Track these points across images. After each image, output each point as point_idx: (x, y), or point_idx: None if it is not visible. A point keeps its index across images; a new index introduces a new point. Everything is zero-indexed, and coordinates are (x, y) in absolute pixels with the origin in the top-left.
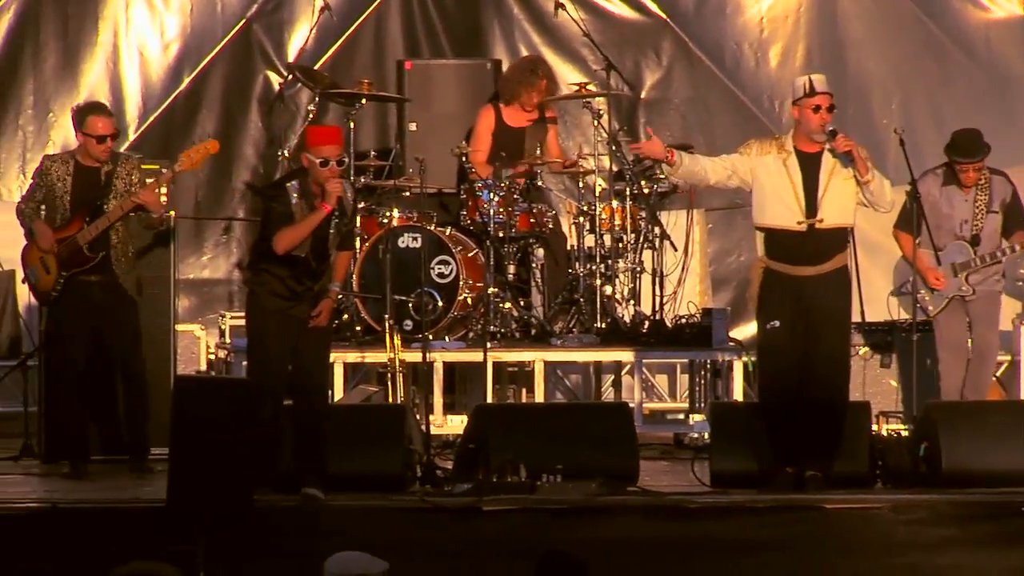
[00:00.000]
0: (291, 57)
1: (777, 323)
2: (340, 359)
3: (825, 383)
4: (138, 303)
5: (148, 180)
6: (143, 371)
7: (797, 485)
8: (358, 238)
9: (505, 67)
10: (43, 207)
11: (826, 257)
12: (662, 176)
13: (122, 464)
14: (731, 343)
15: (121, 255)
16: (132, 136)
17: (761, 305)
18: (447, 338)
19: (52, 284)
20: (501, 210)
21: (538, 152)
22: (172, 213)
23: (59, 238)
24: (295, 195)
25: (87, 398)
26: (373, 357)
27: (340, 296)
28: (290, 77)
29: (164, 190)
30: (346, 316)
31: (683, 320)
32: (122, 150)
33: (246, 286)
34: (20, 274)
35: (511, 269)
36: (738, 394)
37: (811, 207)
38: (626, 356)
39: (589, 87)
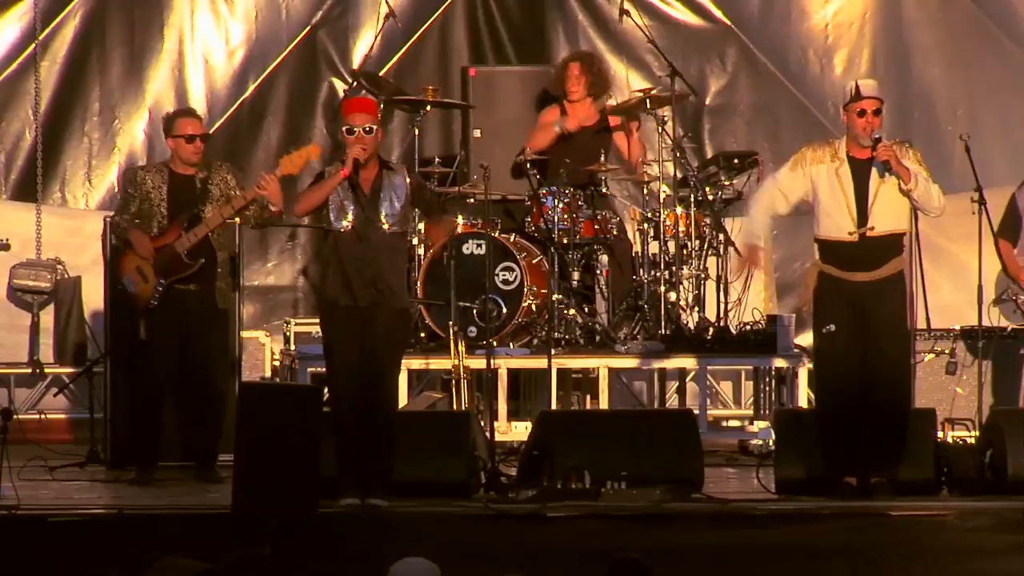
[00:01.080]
0: (356, 64)
1: (833, 327)
2: (404, 366)
3: (888, 388)
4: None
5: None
6: (222, 382)
7: (863, 491)
8: (422, 245)
9: None
10: (137, 220)
11: (880, 263)
12: (727, 183)
13: (191, 470)
14: (796, 350)
15: (222, 262)
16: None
17: (816, 309)
18: (511, 345)
19: (150, 292)
20: (565, 217)
21: (602, 159)
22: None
23: (157, 246)
24: (331, 172)
25: (164, 406)
26: (438, 364)
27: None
28: (355, 84)
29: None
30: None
31: (748, 327)
32: None
33: (315, 291)
34: (86, 281)
35: (575, 276)
36: (803, 401)
37: (862, 216)
38: (690, 363)
39: (653, 93)
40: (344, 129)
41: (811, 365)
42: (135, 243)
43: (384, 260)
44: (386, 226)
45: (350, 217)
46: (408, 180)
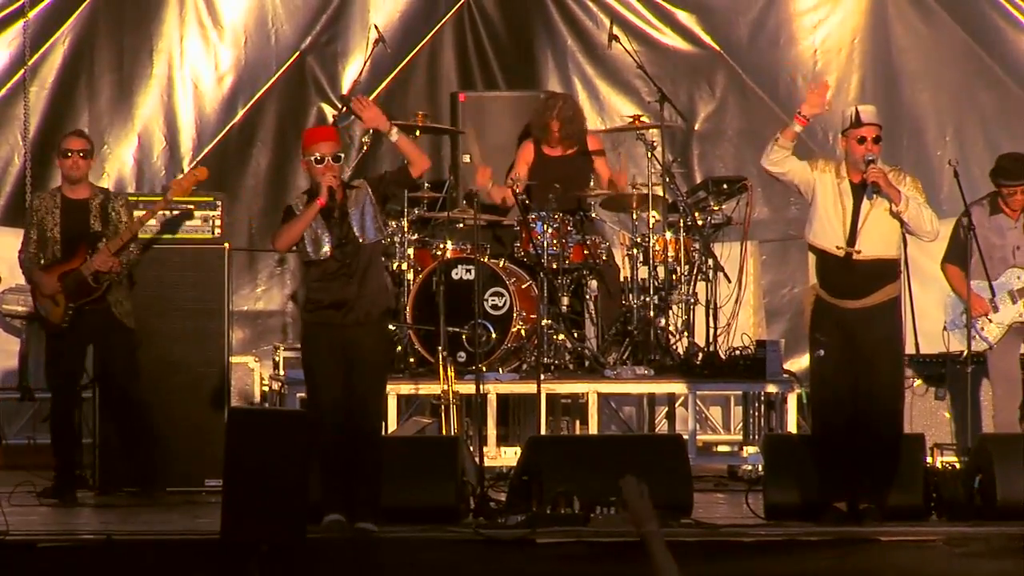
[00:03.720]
0: (345, 89)
1: (822, 352)
2: (393, 391)
3: (879, 415)
4: (135, 332)
5: (138, 213)
6: (143, 399)
7: (852, 517)
8: (412, 269)
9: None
10: (38, 249)
11: (871, 290)
12: (716, 208)
13: (166, 495)
14: (785, 375)
15: (118, 283)
16: (186, 168)
17: (811, 333)
18: (500, 370)
19: (62, 315)
20: (555, 242)
21: (592, 184)
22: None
23: (61, 273)
24: (301, 206)
25: (77, 426)
26: (427, 389)
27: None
28: (344, 109)
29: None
30: (399, 348)
31: (737, 352)
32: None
33: (301, 317)
34: None
35: (565, 301)
36: (792, 426)
37: (852, 236)
38: (680, 388)
39: (642, 119)
40: (312, 159)
41: (800, 390)
42: (40, 285)
43: (367, 270)
44: (363, 239)
45: (326, 245)
46: (368, 189)
